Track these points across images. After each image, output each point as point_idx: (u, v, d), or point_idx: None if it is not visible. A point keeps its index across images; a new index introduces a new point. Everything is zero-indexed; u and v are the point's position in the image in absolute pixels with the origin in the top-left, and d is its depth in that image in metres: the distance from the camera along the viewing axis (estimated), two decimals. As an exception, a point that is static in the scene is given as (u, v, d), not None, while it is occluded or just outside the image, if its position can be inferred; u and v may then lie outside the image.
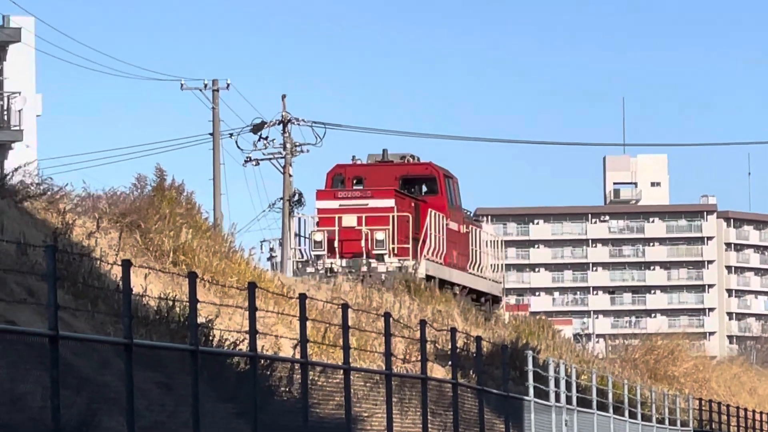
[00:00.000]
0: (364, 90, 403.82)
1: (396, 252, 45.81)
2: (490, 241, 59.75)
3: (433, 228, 47.51)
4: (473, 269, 53.91)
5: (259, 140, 73.21)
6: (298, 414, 21.76)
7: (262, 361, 21.48)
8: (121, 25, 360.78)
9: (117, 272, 20.41)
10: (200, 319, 19.64)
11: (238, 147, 75.08)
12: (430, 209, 47.52)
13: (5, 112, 70.97)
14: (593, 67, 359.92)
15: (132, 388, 16.50)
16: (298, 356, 22.26)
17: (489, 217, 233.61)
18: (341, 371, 23.87)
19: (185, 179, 37.89)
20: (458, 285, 50.70)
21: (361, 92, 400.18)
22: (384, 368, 26.06)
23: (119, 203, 34.01)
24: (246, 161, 74.26)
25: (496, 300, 57.98)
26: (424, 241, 47.00)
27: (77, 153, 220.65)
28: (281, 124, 69.75)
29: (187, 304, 19.12)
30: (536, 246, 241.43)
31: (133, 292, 17.93)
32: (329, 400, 23.43)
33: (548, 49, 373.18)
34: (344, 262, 45.51)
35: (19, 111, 71.96)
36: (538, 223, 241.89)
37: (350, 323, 24.76)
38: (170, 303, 24.69)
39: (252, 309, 20.16)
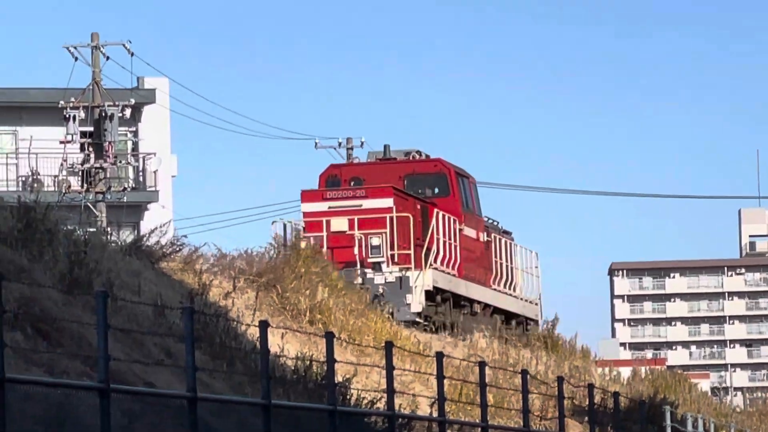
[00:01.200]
0: (491, 143, 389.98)
1: (396, 260, 38.25)
2: (524, 255, 50.13)
3: (442, 232, 39.68)
4: (498, 285, 45.44)
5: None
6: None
7: (400, 420, 21.39)
8: (254, 84, 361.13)
9: (254, 332, 20.44)
10: (337, 378, 19.57)
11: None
12: (437, 210, 39.54)
13: (141, 174, 71.65)
14: (727, 121, 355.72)
15: None
16: (435, 414, 22.08)
17: (624, 271, 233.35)
18: (479, 429, 23.71)
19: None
20: (478, 302, 42.51)
21: (489, 146, 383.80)
22: (522, 425, 25.83)
23: (255, 263, 34.02)
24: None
25: (530, 321, 48.97)
26: (429, 248, 38.98)
27: (212, 213, 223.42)
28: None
29: (325, 363, 19.05)
30: (672, 300, 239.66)
31: (271, 352, 17.94)
32: (468, 458, 23.28)
33: (681, 104, 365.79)
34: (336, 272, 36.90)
35: (155, 172, 72.51)
36: (674, 277, 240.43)
37: (487, 380, 24.58)
38: (307, 362, 24.57)
39: (389, 368, 20.05)
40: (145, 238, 32.51)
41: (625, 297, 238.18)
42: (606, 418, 32.63)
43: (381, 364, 21.01)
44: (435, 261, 38.89)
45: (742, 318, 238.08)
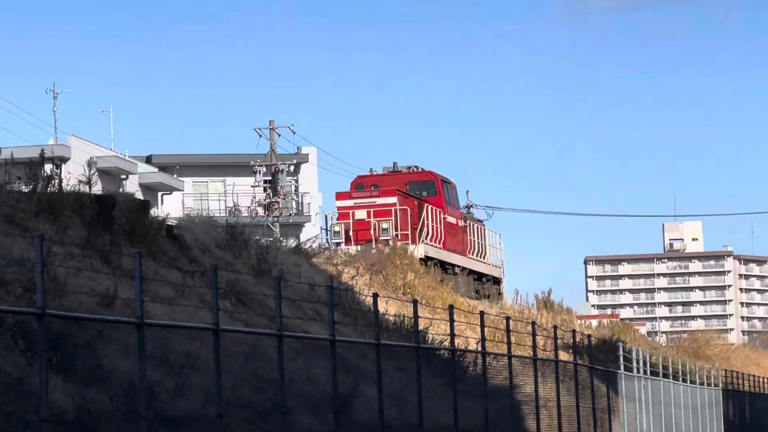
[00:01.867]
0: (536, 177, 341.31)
1: (399, 238, 35.82)
2: (492, 237, 46.35)
3: (430, 219, 37.22)
4: (472, 255, 42.17)
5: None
6: (481, 383, 21.28)
7: (458, 353, 21.07)
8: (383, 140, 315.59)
9: (369, 300, 20.21)
10: (420, 327, 19.21)
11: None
12: (427, 205, 37.33)
13: (300, 206, 72.73)
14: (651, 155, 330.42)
15: (380, 371, 16.18)
16: (479, 348, 21.75)
17: (594, 261, 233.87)
18: (506, 358, 23.31)
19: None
20: (458, 266, 39.31)
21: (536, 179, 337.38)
22: (532, 354, 25.40)
23: (369, 258, 33.85)
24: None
25: (497, 281, 45.68)
26: (422, 230, 36.58)
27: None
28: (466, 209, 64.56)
29: (412, 318, 18.78)
30: (623, 278, 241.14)
31: (380, 312, 17.69)
32: (498, 375, 22.90)
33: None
34: (358, 248, 35.41)
35: (308, 204, 73.91)
36: (624, 264, 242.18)
37: (511, 328, 24.18)
38: (401, 318, 24.34)
39: (451, 321, 19.82)
40: (303, 244, 32.98)
41: (594, 276, 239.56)
42: (583, 350, 32.19)
43: (446, 319, 20.66)
44: (426, 239, 36.59)
45: (665, 289, 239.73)
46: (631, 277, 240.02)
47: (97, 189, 18.64)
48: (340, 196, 37.22)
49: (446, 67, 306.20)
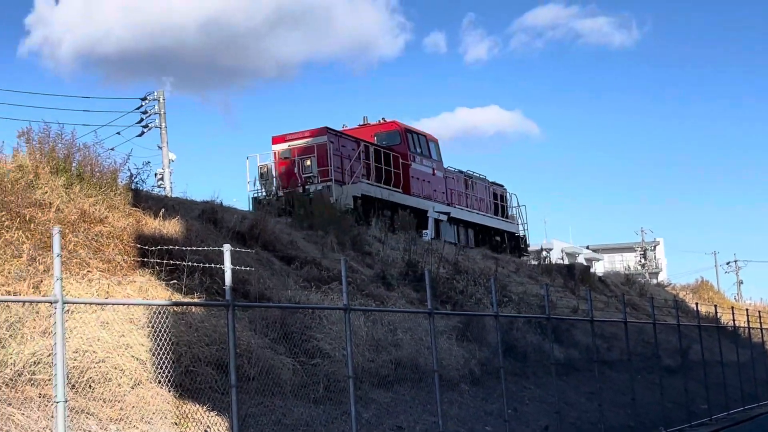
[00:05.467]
0: None
1: (321, 178, 28.51)
2: (512, 199, 39.15)
3: (364, 159, 29.74)
4: (472, 208, 35.23)
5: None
6: None
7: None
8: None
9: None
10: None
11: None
12: (368, 145, 30.35)
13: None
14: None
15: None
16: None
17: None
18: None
19: None
20: (410, 207, 30.12)
21: None
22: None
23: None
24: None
25: (513, 237, 38.34)
26: (361, 172, 29.55)
27: None
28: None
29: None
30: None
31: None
32: None
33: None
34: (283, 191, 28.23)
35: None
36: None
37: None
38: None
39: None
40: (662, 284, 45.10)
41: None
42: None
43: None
44: (357, 178, 28.98)
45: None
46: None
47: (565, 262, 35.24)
48: (276, 140, 30.07)
49: None
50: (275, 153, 29.39)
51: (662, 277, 74.58)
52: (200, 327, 13.71)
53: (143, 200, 16.99)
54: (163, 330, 12.62)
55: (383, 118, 32.21)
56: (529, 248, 37.36)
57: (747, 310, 37.70)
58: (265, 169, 28.81)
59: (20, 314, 12.07)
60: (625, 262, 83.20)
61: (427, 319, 15.56)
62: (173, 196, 25.46)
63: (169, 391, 12.44)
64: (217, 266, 13.38)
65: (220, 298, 12.75)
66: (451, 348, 18.72)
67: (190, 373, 12.91)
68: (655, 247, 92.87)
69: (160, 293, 14.15)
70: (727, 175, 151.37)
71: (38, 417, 10.94)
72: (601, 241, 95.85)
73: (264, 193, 28.38)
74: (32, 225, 13.90)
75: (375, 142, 30.87)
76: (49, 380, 11.08)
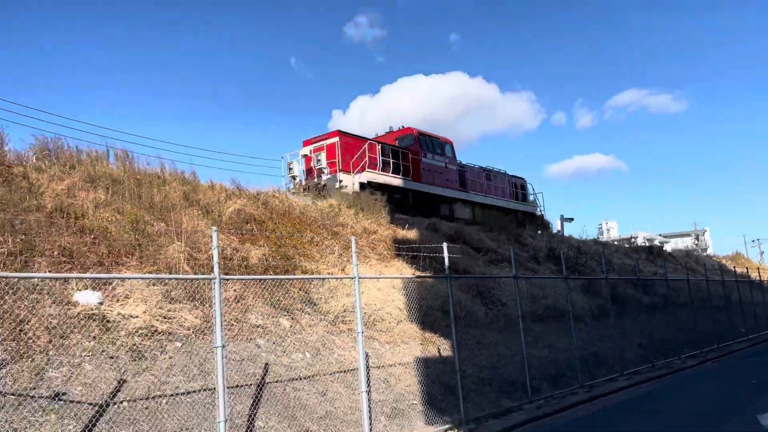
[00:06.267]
0: None
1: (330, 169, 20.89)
2: (529, 186, 29.25)
3: (379, 154, 21.50)
4: (487, 195, 25.93)
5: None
6: None
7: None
8: None
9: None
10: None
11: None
12: (373, 143, 21.75)
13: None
14: None
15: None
16: None
17: None
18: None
19: None
20: (403, 188, 22.05)
21: None
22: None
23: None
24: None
25: (531, 217, 28.77)
26: (366, 163, 21.65)
27: None
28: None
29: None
30: None
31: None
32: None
33: None
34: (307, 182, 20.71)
35: None
36: None
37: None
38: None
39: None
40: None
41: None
42: None
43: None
44: (362, 169, 20.99)
45: None
46: None
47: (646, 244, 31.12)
48: (304, 143, 22.90)
49: None
50: (302, 154, 22.53)
51: (709, 252, 69.05)
52: (431, 289, 13.82)
53: (395, 221, 17.61)
54: (411, 291, 12.95)
55: (402, 126, 24.64)
56: (547, 225, 28.61)
57: (768, 269, 34.68)
58: (292, 165, 21.94)
59: (334, 286, 12.44)
60: (684, 243, 77.22)
61: (563, 282, 15.45)
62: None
63: (417, 326, 12.60)
64: (439, 255, 13.59)
65: (442, 273, 12.59)
66: (579, 298, 18.34)
67: (428, 315, 13.07)
68: (704, 232, 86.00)
69: (408, 271, 14.11)
70: (753, 172, 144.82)
71: (347, 340, 11.35)
72: (669, 230, 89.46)
73: (291, 184, 21.34)
74: (338, 236, 14.34)
75: (396, 144, 23.63)
76: (352, 320, 11.48)
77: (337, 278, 11.42)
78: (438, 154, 24.67)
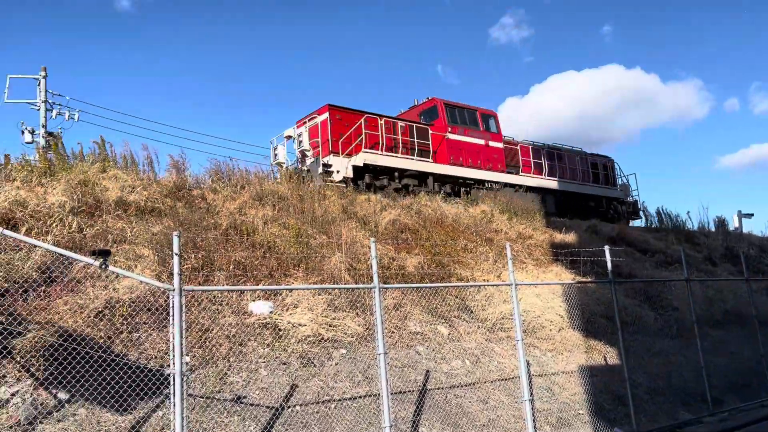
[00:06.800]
0: None
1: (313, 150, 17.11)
2: (619, 170, 24.51)
3: (366, 131, 17.13)
4: (543, 176, 21.18)
5: None
6: None
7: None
8: None
9: None
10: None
11: None
12: (368, 117, 17.58)
13: None
14: None
15: None
16: None
17: None
18: None
19: None
20: (409, 170, 17.66)
21: None
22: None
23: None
24: None
25: (619, 202, 24.06)
26: (377, 143, 17.60)
27: None
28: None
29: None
30: None
31: None
32: None
33: None
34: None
35: None
36: None
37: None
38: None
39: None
40: None
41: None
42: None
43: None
44: (377, 148, 17.20)
45: None
46: None
47: None
48: (298, 123, 19.04)
49: None
50: (286, 134, 19.10)
51: None
52: (593, 294, 13.53)
53: (552, 224, 17.30)
54: (572, 297, 12.61)
55: (427, 97, 20.63)
56: (638, 212, 24.44)
57: None
58: (277, 151, 18.34)
59: (490, 292, 12.41)
60: None
61: (744, 284, 14.36)
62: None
63: (580, 333, 12.32)
64: (601, 258, 13.17)
65: (604, 278, 12.16)
66: (764, 300, 16.82)
67: (590, 322, 12.78)
68: None
69: (567, 276, 13.97)
70: None
71: (506, 348, 11.17)
72: None
73: (278, 174, 16.96)
74: (492, 242, 14.45)
75: (419, 120, 19.80)
76: (511, 328, 11.41)
77: (493, 285, 11.36)
78: (471, 128, 20.67)
